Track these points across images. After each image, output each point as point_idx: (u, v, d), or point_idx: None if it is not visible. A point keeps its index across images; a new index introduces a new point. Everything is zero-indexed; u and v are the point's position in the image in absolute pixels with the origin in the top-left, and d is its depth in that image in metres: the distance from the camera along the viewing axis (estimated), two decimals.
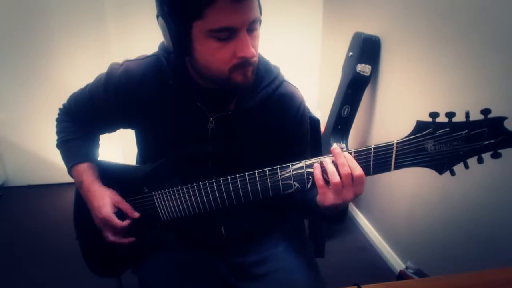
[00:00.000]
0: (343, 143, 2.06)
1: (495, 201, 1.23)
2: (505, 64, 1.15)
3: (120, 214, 0.89)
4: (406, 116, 1.70)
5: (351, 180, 0.70)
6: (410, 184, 1.69)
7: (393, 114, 1.83)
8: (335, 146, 0.73)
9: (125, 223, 0.87)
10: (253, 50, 0.70)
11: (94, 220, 0.91)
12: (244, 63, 0.72)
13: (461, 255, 1.40)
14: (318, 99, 2.87)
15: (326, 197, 0.72)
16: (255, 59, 0.75)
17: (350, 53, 2.01)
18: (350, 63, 1.98)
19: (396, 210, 1.85)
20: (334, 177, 0.70)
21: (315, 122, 1.07)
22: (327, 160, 0.72)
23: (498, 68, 1.18)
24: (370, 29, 1.93)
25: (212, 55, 0.72)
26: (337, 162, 0.71)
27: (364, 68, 1.90)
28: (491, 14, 1.19)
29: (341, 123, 2.05)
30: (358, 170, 0.69)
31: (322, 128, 2.09)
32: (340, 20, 2.43)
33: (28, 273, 1.85)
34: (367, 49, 1.89)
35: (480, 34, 1.24)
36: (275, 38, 2.49)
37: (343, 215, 0.82)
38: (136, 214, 0.89)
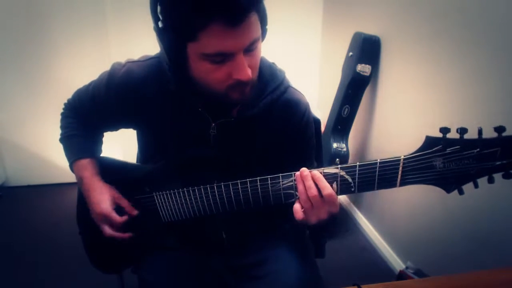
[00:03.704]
0: (343, 143, 2.06)
1: (495, 201, 1.23)
2: (505, 64, 1.15)
3: (119, 210, 0.90)
4: (406, 116, 1.70)
5: (320, 201, 0.71)
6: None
7: (393, 114, 1.83)
8: (303, 169, 0.73)
9: (124, 218, 0.88)
10: (249, 73, 0.69)
11: (92, 214, 0.91)
12: (240, 84, 0.71)
13: (461, 255, 1.40)
14: (318, 99, 2.87)
15: (303, 216, 0.74)
16: (255, 75, 0.74)
17: (350, 53, 2.01)
18: (350, 63, 1.98)
19: (396, 210, 1.85)
20: (302, 197, 0.72)
21: (315, 122, 1.07)
22: (298, 179, 0.73)
23: (498, 68, 1.18)
24: (370, 29, 1.93)
25: (207, 76, 0.71)
26: (305, 184, 0.72)
27: (364, 68, 1.90)
28: (492, 14, 1.19)
29: (341, 123, 2.05)
30: (327, 190, 0.70)
31: (322, 128, 2.09)
32: (340, 20, 2.43)
33: (28, 273, 1.85)
34: (367, 49, 1.89)
35: (480, 33, 1.24)
36: (275, 38, 2.48)
37: (325, 231, 0.81)
38: (135, 212, 0.90)
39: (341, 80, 2.10)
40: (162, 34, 0.69)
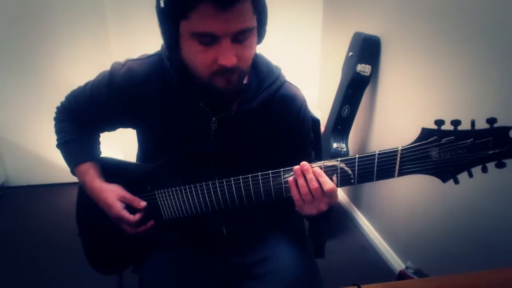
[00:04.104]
0: (343, 143, 2.06)
1: (494, 202, 1.23)
2: (505, 64, 1.15)
3: (130, 207, 0.90)
4: (406, 116, 1.70)
5: (321, 194, 0.73)
6: (410, 184, 1.69)
7: (393, 114, 1.83)
8: (304, 162, 0.75)
9: (137, 216, 0.88)
10: (233, 60, 0.70)
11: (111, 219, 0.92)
12: (225, 71, 0.72)
13: (461, 255, 1.40)
14: (318, 99, 2.87)
15: (301, 208, 0.77)
16: (244, 67, 0.75)
17: (350, 53, 2.01)
18: (350, 63, 1.98)
19: (396, 210, 1.85)
20: (303, 190, 0.74)
21: (315, 122, 1.07)
22: (298, 173, 0.75)
23: (498, 68, 1.18)
24: (370, 29, 1.93)
25: (194, 57, 0.73)
26: (306, 177, 0.73)
27: (364, 68, 1.90)
28: (492, 13, 1.19)
29: (341, 123, 2.05)
30: (328, 185, 0.72)
31: (322, 128, 2.09)
32: (340, 20, 2.43)
33: (28, 273, 1.85)
34: (367, 49, 1.89)
35: (480, 33, 1.24)
36: (275, 38, 2.49)
37: (326, 218, 0.83)
38: (142, 204, 0.89)
39: (341, 80, 2.10)
40: (161, 13, 0.72)
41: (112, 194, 0.90)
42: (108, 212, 0.90)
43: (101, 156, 1.02)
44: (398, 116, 1.78)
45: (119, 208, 0.88)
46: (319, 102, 2.84)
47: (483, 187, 1.25)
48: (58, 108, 1.01)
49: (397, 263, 1.83)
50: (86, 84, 0.95)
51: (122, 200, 0.90)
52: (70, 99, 0.99)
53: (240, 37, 0.71)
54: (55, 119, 1.01)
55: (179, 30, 0.72)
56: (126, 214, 0.88)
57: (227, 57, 0.70)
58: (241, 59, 0.73)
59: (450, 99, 1.40)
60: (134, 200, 0.90)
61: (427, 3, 1.51)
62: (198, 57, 0.72)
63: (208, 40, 0.69)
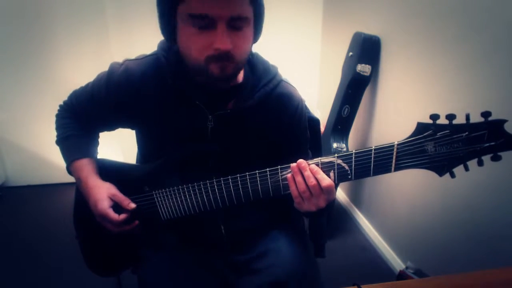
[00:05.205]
0: (343, 143, 2.06)
1: (495, 201, 1.23)
2: (505, 65, 1.15)
3: (118, 207, 0.89)
4: (406, 116, 1.70)
5: (319, 190, 0.74)
6: (410, 184, 1.69)
7: (393, 114, 1.83)
8: (301, 160, 0.75)
9: (122, 217, 0.87)
10: (228, 44, 0.71)
11: (94, 216, 0.91)
12: (221, 56, 0.72)
13: (461, 255, 1.40)
14: (318, 99, 2.87)
15: (300, 205, 0.77)
16: (239, 57, 0.75)
17: (350, 53, 2.01)
18: (350, 63, 1.98)
19: (396, 210, 1.85)
20: (301, 187, 0.75)
21: (315, 122, 1.07)
22: (295, 171, 0.76)
23: (498, 68, 1.18)
24: (370, 29, 1.93)
25: (190, 42, 0.73)
26: (303, 175, 0.74)
27: (364, 68, 1.90)
28: (491, 14, 1.19)
29: (341, 123, 2.05)
30: (325, 181, 0.73)
31: (322, 128, 2.09)
32: (340, 20, 2.43)
33: (27, 273, 1.85)
34: (367, 49, 1.89)
35: (480, 34, 1.24)
36: (275, 38, 2.49)
37: (325, 212, 0.83)
38: (132, 205, 0.89)
39: (341, 80, 2.10)
40: (159, 2, 0.75)
41: (103, 190, 0.90)
42: (94, 208, 0.89)
43: (98, 157, 1.02)
44: (398, 116, 1.78)
45: (105, 205, 0.87)
46: (319, 102, 2.84)
47: (483, 187, 1.25)
48: (60, 105, 1.03)
49: (397, 263, 1.83)
50: (87, 85, 0.97)
51: (112, 198, 0.89)
52: (72, 97, 1.00)
53: (235, 24, 0.71)
54: (57, 115, 1.02)
55: (177, 17, 0.73)
56: (111, 212, 0.87)
57: (222, 40, 0.70)
58: (236, 47, 0.73)
59: (451, 99, 1.40)
60: (124, 201, 0.89)
61: (427, 3, 1.51)
62: (194, 42, 0.73)
63: (204, 23, 0.70)
